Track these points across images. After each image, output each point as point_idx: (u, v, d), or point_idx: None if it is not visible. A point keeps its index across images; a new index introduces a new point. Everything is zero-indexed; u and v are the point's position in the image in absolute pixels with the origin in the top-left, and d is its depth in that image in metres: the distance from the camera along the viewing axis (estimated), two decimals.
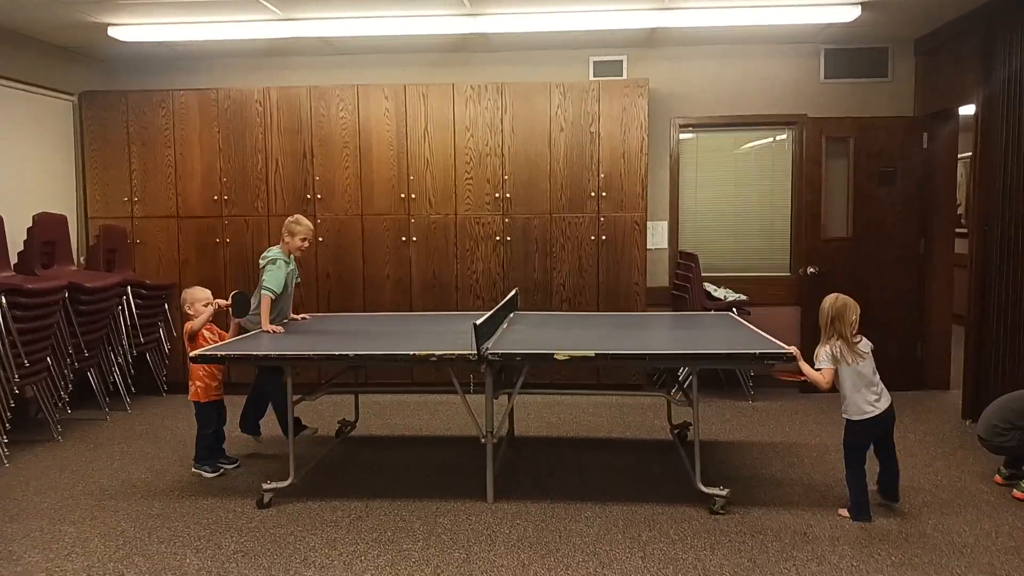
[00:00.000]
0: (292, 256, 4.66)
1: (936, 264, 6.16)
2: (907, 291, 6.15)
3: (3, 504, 3.97)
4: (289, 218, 4.69)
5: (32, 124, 5.91)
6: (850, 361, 3.59)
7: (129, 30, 5.60)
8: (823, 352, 3.64)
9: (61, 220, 5.69)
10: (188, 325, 4.38)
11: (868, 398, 3.61)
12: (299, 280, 4.87)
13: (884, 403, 3.64)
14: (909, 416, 5.36)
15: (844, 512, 3.66)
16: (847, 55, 6.29)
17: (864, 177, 6.13)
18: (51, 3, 5.02)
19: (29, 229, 5.33)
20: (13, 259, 5.26)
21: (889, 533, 3.47)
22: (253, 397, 4.69)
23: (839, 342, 3.61)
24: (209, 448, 4.43)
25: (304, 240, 4.62)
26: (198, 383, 4.38)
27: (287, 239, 4.61)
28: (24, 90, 5.80)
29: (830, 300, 3.70)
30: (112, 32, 5.61)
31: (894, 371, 5.79)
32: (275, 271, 4.50)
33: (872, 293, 5.93)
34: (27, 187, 5.80)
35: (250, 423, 4.72)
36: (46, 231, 5.41)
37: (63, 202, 6.16)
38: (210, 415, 4.42)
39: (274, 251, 4.59)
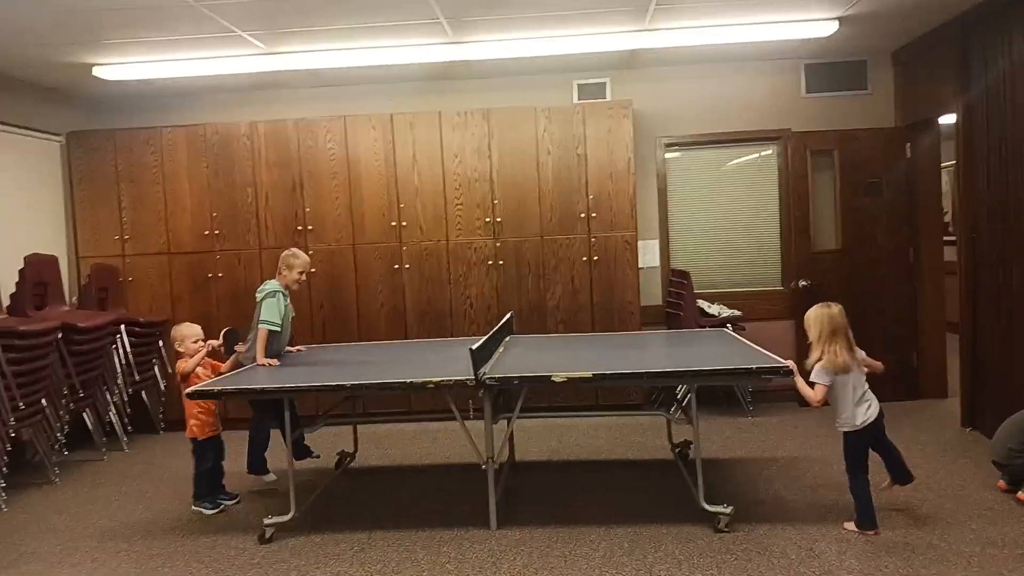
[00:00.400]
0: (288, 289, 4.65)
1: (926, 273, 6.21)
2: (899, 301, 6.19)
3: (1, 551, 3.92)
4: (287, 251, 4.69)
5: (20, 166, 5.90)
6: (853, 369, 3.58)
7: (113, 69, 5.62)
8: (819, 367, 3.60)
9: (52, 261, 5.67)
10: (181, 365, 4.36)
11: (861, 407, 3.62)
12: (294, 314, 4.85)
13: (875, 408, 3.65)
14: (909, 426, 5.38)
15: (850, 525, 3.65)
16: (827, 69, 6.38)
17: (850, 189, 6.20)
18: (35, 45, 5.05)
19: (20, 271, 5.30)
20: (5, 301, 5.24)
21: (895, 545, 3.47)
22: (254, 437, 4.65)
23: (842, 353, 3.56)
24: (208, 485, 4.39)
25: (302, 273, 4.62)
26: (193, 421, 4.35)
27: (285, 272, 4.60)
28: (11, 132, 5.80)
29: (822, 312, 3.65)
30: (96, 72, 5.64)
31: (890, 382, 5.82)
32: (273, 304, 4.48)
33: (864, 304, 5.97)
34: (17, 229, 5.79)
35: (257, 463, 4.68)
36: (37, 272, 5.39)
37: (53, 242, 6.14)
38: (207, 452, 4.39)
39: (271, 284, 4.58)
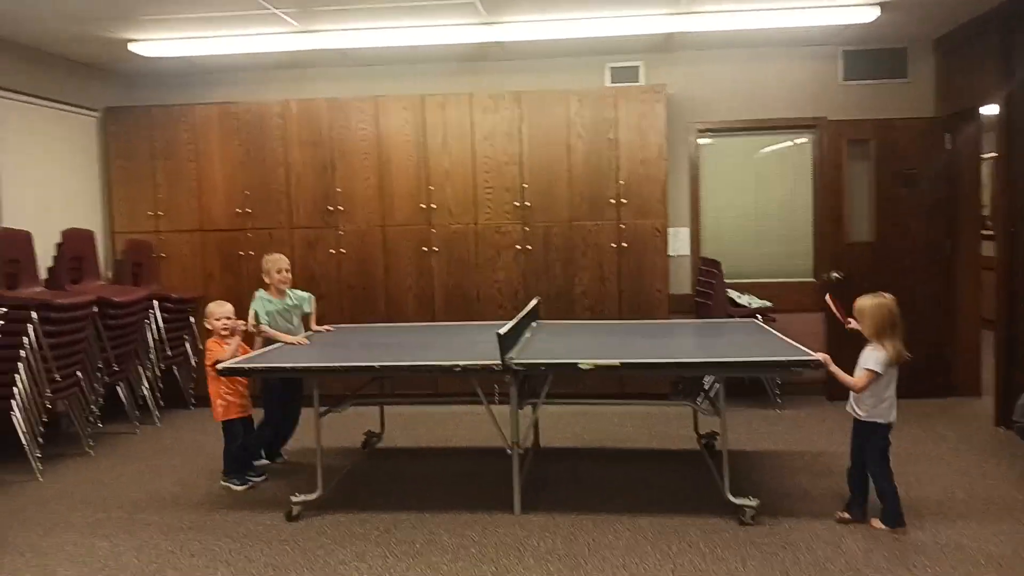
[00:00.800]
0: (287, 289, 4.73)
1: (963, 267, 6.08)
2: (934, 295, 6.08)
3: (37, 518, 4.02)
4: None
5: (57, 140, 5.99)
6: (898, 361, 3.57)
7: (149, 46, 5.66)
8: (876, 355, 3.53)
9: (88, 235, 5.76)
10: (213, 346, 4.39)
11: (894, 402, 3.59)
12: (310, 310, 4.91)
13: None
14: (940, 423, 5.31)
15: (877, 523, 3.62)
16: (866, 56, 6.25)
17: (887, 180, 6.08)
18: (72, 20, 5.10)
19: (58, 245, 5.40)
20: (43, 274, 5.33)
21: (924, 545, 3.43)
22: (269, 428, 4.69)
23: (899, 345, 3.55)
24: (237, 461, 4.46)
25: (279, 270, 4.66)
26: (220, 401, 4.42)
27: (267, 279, 4.67)
28: (49, 107, 5.89)
29: (882, 302, 3.60)
30: (132, 48, 5.68)
31: (923, 378, 5.77)
32: (256, 303, 4.59)
33: (898, 297, 5.86)
34: (54, 203, 5.89)
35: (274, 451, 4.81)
36: (74, 246, 5.48)
37: (90, 217, 6.24)
38: (236, 429, 4.46)
39: (257, 293, 4.69)
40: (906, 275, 6.05)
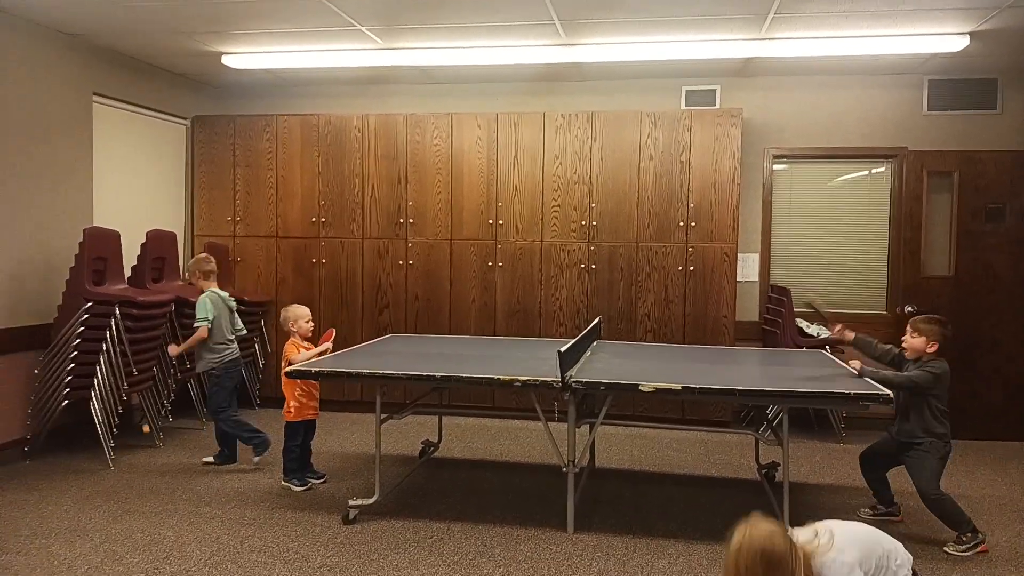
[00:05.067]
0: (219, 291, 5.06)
1: None
2: (1016, 335, 5.82)
3: (108, 505, 4.20)
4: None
5: (149, 146, 6.30)
6: None
7: (241, 58, 5.91)
8: None
9: (171, 237, 6.01)
10: (291, 350, 4.51)
11: None
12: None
13: None
14: (1016, 469, 5.06)
15: (950, 548, 3.57)
16: (952, 86, 6.07)
17: (969, 213, 5.88)
18: (172, 33, 5.37)
19: (142, 245, 5.65)
20: (127, 272, 5.58)
21: None
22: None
23: None
24: (296, 461, 4.56)
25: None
26: (293, 403, 4.53)
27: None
28: (143, 114, 6.21)
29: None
30: (225, 60, 5.94)
31: (1001, 420, 5.53)
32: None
33: (977, 336, 5.67)
34: (142, 205, 6.19)
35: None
36: (157, 247, 5.72)
37: (173, 220, 6.52)
38: (297, 430, 4.56)
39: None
40: (986, 312, 5.82)
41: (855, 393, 3.58)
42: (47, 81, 5.22)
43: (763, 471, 4.73)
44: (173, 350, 5.14)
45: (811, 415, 6.04)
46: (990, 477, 4.86)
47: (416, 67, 6.14)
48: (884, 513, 4.16)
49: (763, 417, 4.75)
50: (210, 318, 4.87)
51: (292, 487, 4.51)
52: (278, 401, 4.67)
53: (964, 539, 3.70)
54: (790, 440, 3.79)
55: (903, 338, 3.99)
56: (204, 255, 5.21)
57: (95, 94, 5.67)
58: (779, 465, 4.37)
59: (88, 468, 4.83)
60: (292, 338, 4.60)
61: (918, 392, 3.81)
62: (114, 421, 4.97)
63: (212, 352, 4.93)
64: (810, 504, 4.34)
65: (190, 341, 4.93)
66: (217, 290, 5.04)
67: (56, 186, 5.29)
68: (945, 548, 3.72)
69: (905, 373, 3.87)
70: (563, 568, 3.47)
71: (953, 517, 3.74)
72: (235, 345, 5.08)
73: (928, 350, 3.87)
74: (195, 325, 4.89)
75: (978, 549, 3.68)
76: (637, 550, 3.68)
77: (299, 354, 4.45)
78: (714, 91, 6.38)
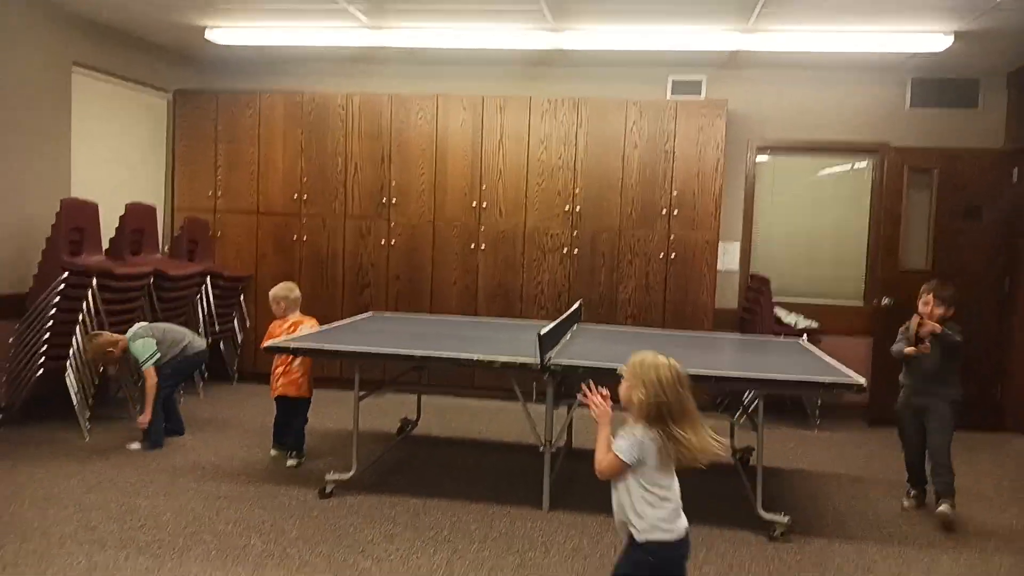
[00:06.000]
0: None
1: (1020, 304, 5.92)
2: (987, 331, 5.92)
3: (84, 476, 4.17)
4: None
5: (129, 118, 6.23)
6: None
7: (225, 33, 5.85)
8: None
9: (150, 210, 5.95)
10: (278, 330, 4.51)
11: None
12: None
13: None
14: (987, 460, 5.17)
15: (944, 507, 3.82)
16: (935, 85, 6.15)
17: (947, 210, 5.96)
18: (157, 6, 5.30)
19: (121, 217, 5.59)
20: (105, 244, 5.52)
21: None
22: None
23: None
24: (302, 437, 4.59)
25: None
26: (303, 378, 4.54)
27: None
28: (124, 86, 6.13)
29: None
30: (209, 35, 5.87)
31: (972, 413, 5.61)
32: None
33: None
34: (121, 177, 6.12)
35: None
36: (136, 220, 5.66)
37: (153, 193, 6.45)
38: (306, 407, 4.60)
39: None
40: (960, 308, 5.88)
41: (829, 381, 3.64)
42: (25, 49, 5.14)
43: (737, 456, 4.79)
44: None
45: (787, 402, 6.11)
46: (959, 468, 4.92)
47: (402, 48, 6.10)
48: (922, 495, 4.21)
49: (739, 403, 4.80)
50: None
51: (291, 461, 4.51)
52: (258, 376, 4.65)
53: (953, 504, 3.89)
54: (765, 426, 3.84)
55: (924, 310, 4.12)
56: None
57: (75, 63, 5.59)
58: (753, 450, 4.43)
59: (63, 438, 4.78)
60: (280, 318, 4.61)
61: (960, 352, 4.01)
62: (90, 392, 4.93)
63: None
64: (782, 489, 4.41)
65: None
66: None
67: (33, 155, 5.22)
68: (941, 508, 3.87)
69: (951, 333, 3.99)
70: (537, 544, 3.51)
71: (951, 485, 3.92)
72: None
73: (947, 315, 4.08)
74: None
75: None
76: (611, 528, 3.68)
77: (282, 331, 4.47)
78: (700, 82, 6.41)
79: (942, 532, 3.82)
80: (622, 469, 2.42)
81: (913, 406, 4.12)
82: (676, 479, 2.46)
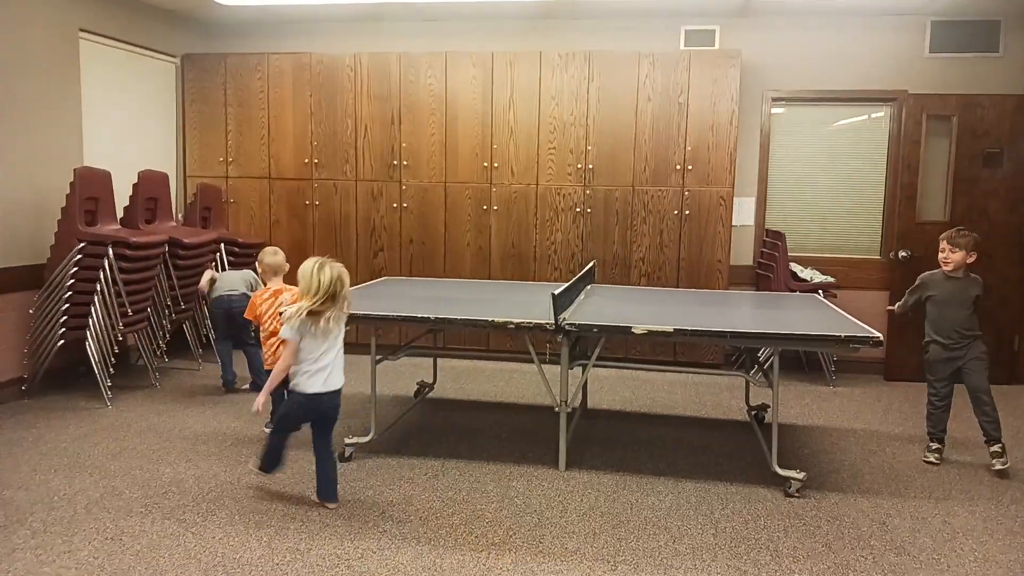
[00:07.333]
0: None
1: None
2: (1007, 281, 5.86)
3: (107, 443, 4.25)
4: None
5: (139, 84, 6.19)
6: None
7: None
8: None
9: (163, 177, 5.96)
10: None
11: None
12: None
13: None
14: (1003, 411, 5.12)
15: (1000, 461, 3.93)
16: (955, 28, 5.97)
17: (966, 158, 5.84)
18: None
19: (134, 185, 5.60)
20: (119, 213, 5.55)
21: (973, 528, 3.37)
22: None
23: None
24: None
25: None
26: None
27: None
28: (132, 51, 6.09)
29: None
30: None
31: (990, 364, 5.57)
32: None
33: None
34: (133, 145, 6.12)
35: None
36: (150, 188, 5.67)
37: (165, 160, 6.45)
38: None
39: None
40: (981, 258, 5.81)
41: (846, 336, 3.61)
42: (31, 16, 5.10)
43: (752, 412, 4.81)
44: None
45: (802, 358, 6.11)
46: (973, 420, 4.93)
47: (409, 3, 6.00)
48: (943, 449, 4.26)
49: (754, 360, 4.80)
50: None
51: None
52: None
53: (1000, 448, 4.00)
54: (780, 383, 3.83)
55: (941, 256, 4.17)
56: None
57: (81, 30, 5.54)
58: (768, 407, 4.44)
59: (86, 407, 4.87)
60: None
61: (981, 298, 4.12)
62: (110, 361, 5.00)
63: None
64: (798, 445, 4.43)
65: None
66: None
67: (44, 125, 5.22)
68: (994, 466, 3.98)
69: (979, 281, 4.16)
70: (554, 503, 3.55)
71: (999, 424, 4.03)
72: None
73: (968, 261, 4.12)
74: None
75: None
76: (627, 487, 3.76)
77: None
78: (713, 31, 6.26)
79: (995, 479, 3.94)
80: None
81: (948, 358, 4.12)
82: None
